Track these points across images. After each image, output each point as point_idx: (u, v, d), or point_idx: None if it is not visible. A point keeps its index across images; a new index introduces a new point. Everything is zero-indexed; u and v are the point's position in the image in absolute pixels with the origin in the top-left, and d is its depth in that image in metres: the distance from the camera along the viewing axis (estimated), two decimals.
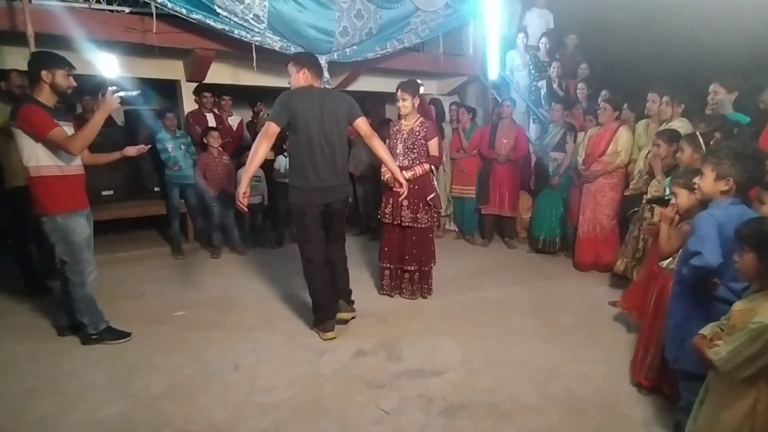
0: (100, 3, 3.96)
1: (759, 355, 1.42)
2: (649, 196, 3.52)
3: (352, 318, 3.28)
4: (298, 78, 2.90)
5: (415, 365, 2.77)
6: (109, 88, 2.71)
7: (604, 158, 4.21)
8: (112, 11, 3.99)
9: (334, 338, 3.07)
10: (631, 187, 3.88)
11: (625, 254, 3.85)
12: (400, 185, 3.06)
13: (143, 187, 5.21)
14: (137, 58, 4.43)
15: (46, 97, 2.68)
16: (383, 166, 3.70)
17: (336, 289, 3.21)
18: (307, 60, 2.96)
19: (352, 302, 3.35)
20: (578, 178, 4.55)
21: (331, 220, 3.06)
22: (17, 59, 3.68)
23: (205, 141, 4.74)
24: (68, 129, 2.76)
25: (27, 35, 3.41)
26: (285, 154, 4.99)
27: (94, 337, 2.96)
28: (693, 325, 1.89)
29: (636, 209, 3.84)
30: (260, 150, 2.76)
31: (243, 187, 2.71)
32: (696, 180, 1.98)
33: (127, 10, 4.03)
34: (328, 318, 3.10)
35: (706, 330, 1.69)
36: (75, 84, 2.77)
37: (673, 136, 3.22)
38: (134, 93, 2.88)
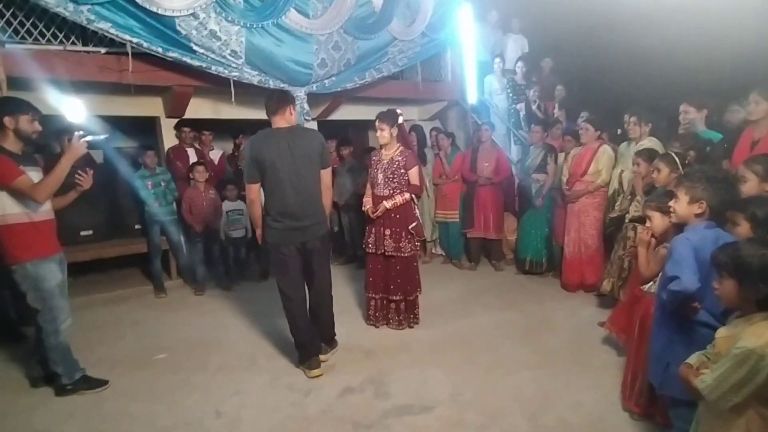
0: (75, 44, 3.95)
1: (745, 381, 1.39)
2: (630, 215, 3.54)
3: (333, 353, 3.25)
4: (271, 122, 2.95)
5: (403, 401, 2.70)
6: (76, 134, 2.66)
7: (586, 178, 4.25)
8: (87, 52, 3.98)
9: (320, 375, 2.99)
10: (617, 207, 3.90)
11: (611, 274, 3.85)
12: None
13: (123, 225, 5.11)
14: (115, 97, 4.40)
15: (11, 143, 2.63)
16: (365, 196, 3.71)
17: (318, 335, 3.17)
18: (265, 103, 2.96)
19: (334, 343, 3.31)
20: (561, 198, 4.58)
21: (310, 260, 3.01)
22: None
23: (191, 176, 4.70)
24: (36, 174, 2.70)
25: None
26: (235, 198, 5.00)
27: (68, 387, 2.84)
28: (676, 350, 1.87)
29: (613, 227, 3.87)
30: (255, 209, 3.01)
31: (259, 230, 3.06)
32: (671, 203, 1.99)
33: (103, 50, 4.02)
34: (313, 355, 3.03)
35: (693, 359, 1.65)
36: (40, 129, 2.71)
37: (652, 155, 3.25)
38: (102, 136, 2.82)
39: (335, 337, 3.32)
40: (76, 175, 2.81)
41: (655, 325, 2.08)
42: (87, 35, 3.97)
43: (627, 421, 2.42)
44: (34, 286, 2.68)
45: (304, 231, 2.92)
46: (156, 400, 2.80)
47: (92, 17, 3.68)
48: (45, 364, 2.87)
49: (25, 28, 3.74)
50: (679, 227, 2.01)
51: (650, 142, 3.65)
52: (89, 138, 2.69)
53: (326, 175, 3.04)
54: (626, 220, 3.62)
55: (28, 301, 2.72)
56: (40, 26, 3.79)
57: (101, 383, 2.92)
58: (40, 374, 2.95)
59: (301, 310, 3.03)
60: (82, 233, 4.79)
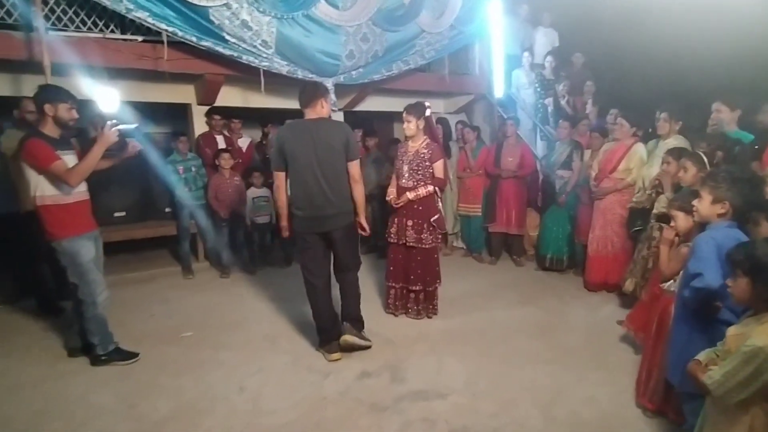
0: (114, 32, 4.11)
1: (751, 378, 1.41)
2: (655, 211, 3.49)
3: (366, 348, 3.17)
4: (303, 113, 3.03)
5: (418, 387, 2.76)
6: (108, 122, 2.82)
7: (614, 175, 4.17)
8: (125, 40, 4.14)
9: (338, 359, 3.08)
10: (633, 200, 3.85)
11: (634, 274, 3.79)
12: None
13: (155, 208, 5.31)
14: (149, 83, 4.57)
15: (49, 129, 2.80)
16: (389, 186, 3.76)
17: (342, 314, 3.21)
18: (299, 95, 3.01)
19: (362, 328, 3.25)
20: (586, 195, 4.53)
21: (335, 248, 3.08)
22: (34, 88, 3.82)
23: (217, 162, 4.85)
24: (71, 158, 2.86)
25: (44, 65, 3.55)
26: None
27: (103, 358, 3.02)
28: (696, 348, 1.86)
29: (639, 227, 3.81)
30: (281, 198, 3.09)
31: (283, 220, 3.13)
32: (694, 203, 1.98)
33: (140, 38, 4.18)
34: (333, 339, 3.12)
35: (702, 356, 1.67)
36: (77, 116, 2.88)
37: (682, 155, 3.20)
38: (132, 126, 2.95)
39: (362, 321, 3.29)
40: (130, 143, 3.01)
41: (676, 323, 2.08)
42: (125, 24, 4.14)
43: (640, 417, 2.43)
44: (72, 261, 2.86)
45: (326, 220, 2.98)
46: (182, 374, 2.95)
47: (131, 6, 3.83)
48: (83, 335, 3.05)
49: (68, 16, 3.92)
50: (702, 226, 2.00)
51: (677, 141, 3.57)
52: (121, 127, 2.83)
53: (353, 167, 3.04)
54: (651, 220, 3.57)
55: (68, 276, 2.90)
56: (82, 14, 3.97)
57: (133, 355, 3.09)
58: (77, 345, 3.14)
59: (323, 296, 3.10)
60: (116, 214, 5.02)
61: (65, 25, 3.92)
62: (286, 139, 2.94)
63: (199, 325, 3.69)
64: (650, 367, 2.40)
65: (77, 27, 3.97)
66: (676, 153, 3.27)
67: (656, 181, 3.52)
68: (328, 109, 3.09)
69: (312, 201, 2.94)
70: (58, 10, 3.86)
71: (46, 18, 3.73)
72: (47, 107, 2.76)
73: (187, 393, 2.73)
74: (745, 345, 1.43)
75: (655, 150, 3.93)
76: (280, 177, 3.04)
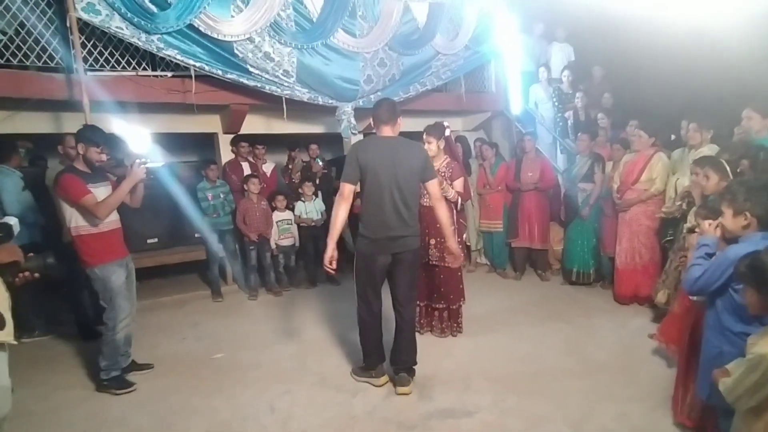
0: (146, 69, 4.36)
1: (759, 385, 1.47)
2: (688, 225, 3.43)
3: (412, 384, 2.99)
4: (377, 129, 2.94)
5: (446, 405, 2.77)
6: (137, 160, 3.03)
7: (638, 186, 4.14)
8: (156, 76, 4.39)
9: (387, 382, 3.01)
10: (663, 209, 3.80)
11: (667, 285, 3.71)
12: (452, 255, 3.05)
13: (185, 233, 5.50)
14: (178, 115, 4.80)
15: (81, 164, 3.03)
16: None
17: (397, 357, 3.03)
18: (374, 111, 2.94)
19: (413, 372, 3.05)
20: (610, 207, 4.49)
21: (398, 272, 2.93)
22: (74, 124, 4.07)
23: (245, 188, 5.02)
24: (104, 189, 3.06)
25: (83, 103, 3.79)
26: (303, 199, 5.23)
27: (104, 383, 3.10)
28: (726, 361, 1.84)
29: (670, 237, 3.75)
30: (341, 213, 2.78)
31: (330, 251, 2.78)
32: (720, 220, 1.99)
33: (169, 74, 4.43)
34: (380, 362, 3.06)
35: (731, 365, 1.68)
36: (105, 160, 3.08)
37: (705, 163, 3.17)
38: (160, 164, 3.14)
39: (415, 367, 3.05)
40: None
41: (706, 335, 2.06)
42: (155, 61, 4.39)
43: None
44: (103, 286, 3.06)
45: (398, 241, 2.85)
46: (215, 395, 3.02)
47: (161, 45, 4.07)
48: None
49: (104, 57, 4.18)
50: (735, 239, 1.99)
51: (710, 150, 3.51)
52: (149, 164, 3.04)
53: (434, 186, 2.93)
54: (683, 230, 3.52)
55: (100, 300, 3.10)
56: (117, 54, 4.23)
57: (130, 385, 3.13)
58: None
59: (374, 320, 3.01)
60: (149, 241, 5.22)
61: (101, 66, 4.18)
62: (367, 152, 2.79)
63: (229, 346, 3.78)
64: (686, 381, 2.35)
65: (112, 67, 4.23)
66: (702, 162, 3.24)
67: (686, 192, 3.48)
68: (399, 128, 2.96)
69: (387, 221, 2.79)
70: (95, 52, 4.13)
71: (84, 60, 3.99)
72: (80, 147, 3.00)
73: (220, 414, 2.80)
74: (750, 353, 1.51)
75: (684, 159, 3.89)
76: (348, 189, 2.78)
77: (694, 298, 2.34)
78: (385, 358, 3.09)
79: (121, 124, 3.83)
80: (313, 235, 5.29)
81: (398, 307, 3.00)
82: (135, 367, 3.35)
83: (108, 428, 2.71)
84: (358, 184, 2.85)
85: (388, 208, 2.79)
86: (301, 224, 5.27)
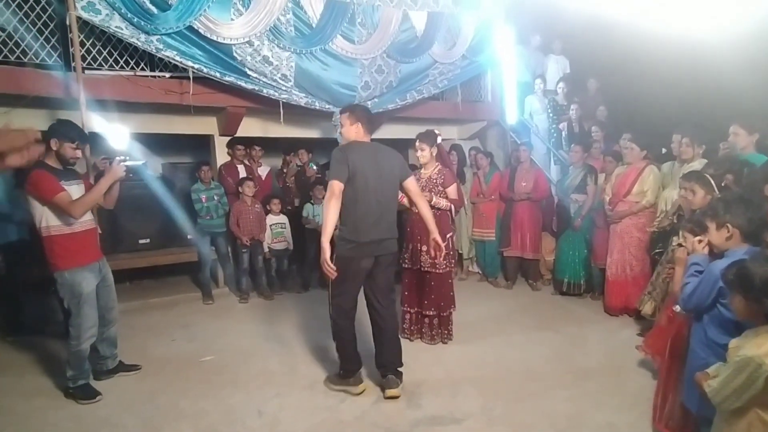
0: (144, 70, 4.37)
1: (745, 387, 1.52)
2: (679, 239, 3.48)
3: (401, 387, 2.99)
4: (350, 130, 2.94)
5: (434, 412, 2.78)
6: (117, 158, 2.92)
7: (629, 198, 4.19)
8: (154, 77, 4.40)
9: (365, 390, 2.99)
10: (654, 224, 3.85)
11: (654, 297, 3.77)
12: (437, 247, 3.03)
13: (177, 235, 5.47)
14: (175, 116, 4.80)
15: (53, 161, 2.85)
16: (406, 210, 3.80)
17: (383, 360, 3.02)
18: (363, 115, 2.98)
19: (401, 375, 3.05)
20: (601, 219, 4.54)
21: (378, 274, 2.95)
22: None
23: (240, 190, 5.02)
24: (77, 188, 2.90)
25: (80, 102, 3.79)
26: (312, 201, 5.24)
27: (70, 390, 2.99)
28: None
29: (660, 249, 3.80)
30: (332, 211, 2.73)
31: (327, 251, 2.67)
32: (705, 236, 2.04)
33: (167, 75, 4.44)
34: (357, 369, 3.03)
35: (712, 369, 1.75)
36: (80, 156, 2.97)
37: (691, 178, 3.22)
38: (140, 162, 3.05)
39: (401, 369, 3.05)
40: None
41: (692, 348, 2.09)
42: (154, 61, 4.40)
43: None
44: (70, 292, 2.88)
45: (382, 244, 2.89)
46: (203, 397, 3.01)
47: (161, 46, 4.09)
48: (103, 358, 3.16)
49: (102, 56, 4.19)
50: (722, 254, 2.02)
51: (700, 164, 3.54)
52: (129, 163, 2.93)
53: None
54: (672, 242, 3.56)
55: (65, 305, 2.95)
56: (115, 54, 4.24)
57: (96, 394, 2.99)
58: (102, 368, 3.24)
59: (351, 324, 2.98)
60: (141, 241, 5.20)
61: (100, 65, 4.19)
62: (356, 155, 2.81)
63: (219, 349, 3.77)
64: (666, 390, 2.39)
65: (110, 66, 4.24)
66: (688, 177, 3.30)
67: (678, 206, 3.52)
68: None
69: (373, 224, 2.84)
70: (94, 51, 4.14)
71: (83, 58, 4.00)
72: (53, 142, 2.81)
73: (207, 416, 2.79)
74: (737, 355, 1.56)
75: (674, 173, 3.94)
76: (339, 187, 2.75)
77: (678, 309, 2.38)
78: (362, 364, 3.06)
79: (102, 122, 3.80)
80: (316, 237, 5.27)
81: (379, 309, 2.99)
82: (122, 368, 3.32)
83: (94, 429, 2.68)
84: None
85: (375, 212, 2.85)
86: (306, 226, 5.24)
